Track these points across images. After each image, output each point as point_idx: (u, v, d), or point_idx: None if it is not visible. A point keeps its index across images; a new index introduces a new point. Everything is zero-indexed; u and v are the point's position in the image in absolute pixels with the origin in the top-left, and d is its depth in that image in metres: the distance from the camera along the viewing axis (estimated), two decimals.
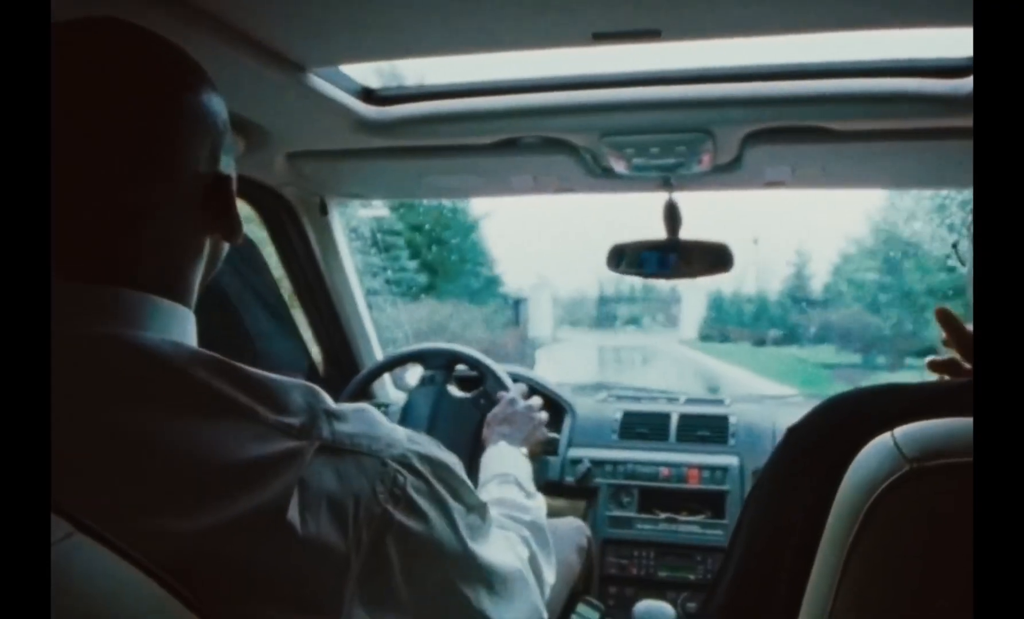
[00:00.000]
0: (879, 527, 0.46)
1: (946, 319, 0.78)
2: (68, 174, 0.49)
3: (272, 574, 0.46)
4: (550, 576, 0.82)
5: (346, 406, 0.55)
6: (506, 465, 1.02)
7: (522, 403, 1.28)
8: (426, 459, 0.56)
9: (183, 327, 0.54)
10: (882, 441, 0.49)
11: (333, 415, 0.52)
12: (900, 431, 0.48)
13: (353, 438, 0.52)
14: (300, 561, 0.47)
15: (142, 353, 0.49)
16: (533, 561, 0.78)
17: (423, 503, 0.54)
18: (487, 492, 0.94)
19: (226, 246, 0.62)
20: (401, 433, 0.56)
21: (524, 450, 1.15)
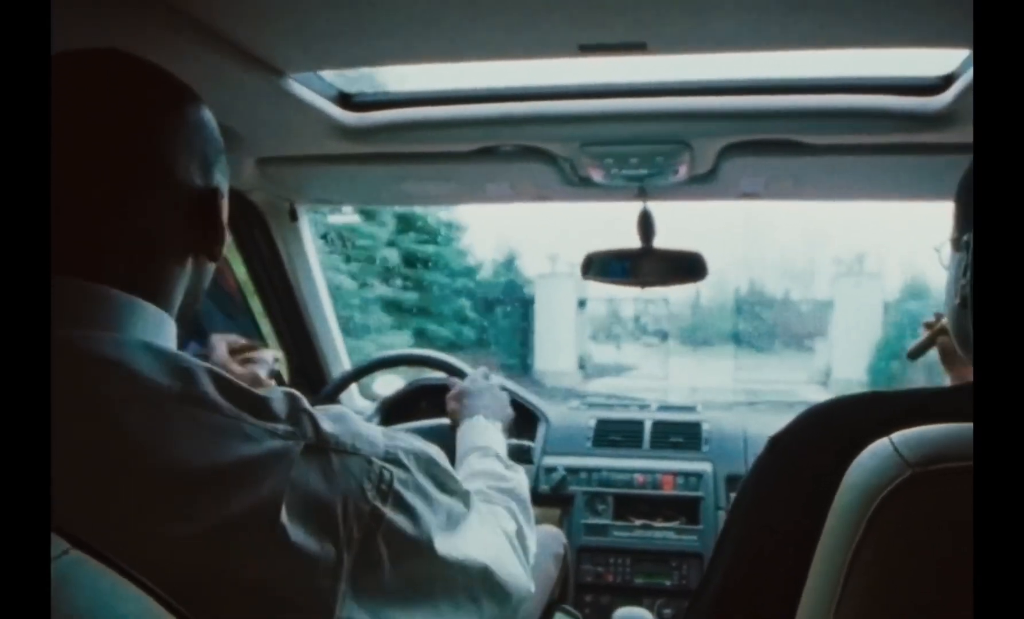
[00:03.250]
0: (883, 532, 0.46)
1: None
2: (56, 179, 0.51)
3: (266, 576, 0.47)
4: (534, 546, 0.84)
5: (326, 408, 0.56)
6: (486, 438, 1.01)
7: (484, 382, 1.24)
8: (410, 453, 0.57)
9: (162, 331, 0.55)
10: (881, 446, 0.50)
11: (315, 417, 0.53)
12: (898, 436, 0.49)
13: (337, 438, 0.53)
14: (293, 561, 0.48)
15: (123, 356, 0.49)
16: (520, 534, 0.79)
17: (410, 497, 0.56)
18: (468, 465, 0.93)
19: (210, 268, 0.62)
20: (378, 431, 0.58)
21: (499, 424, 1.12)
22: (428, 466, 0.59)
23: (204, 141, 0.59)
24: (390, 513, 0.54)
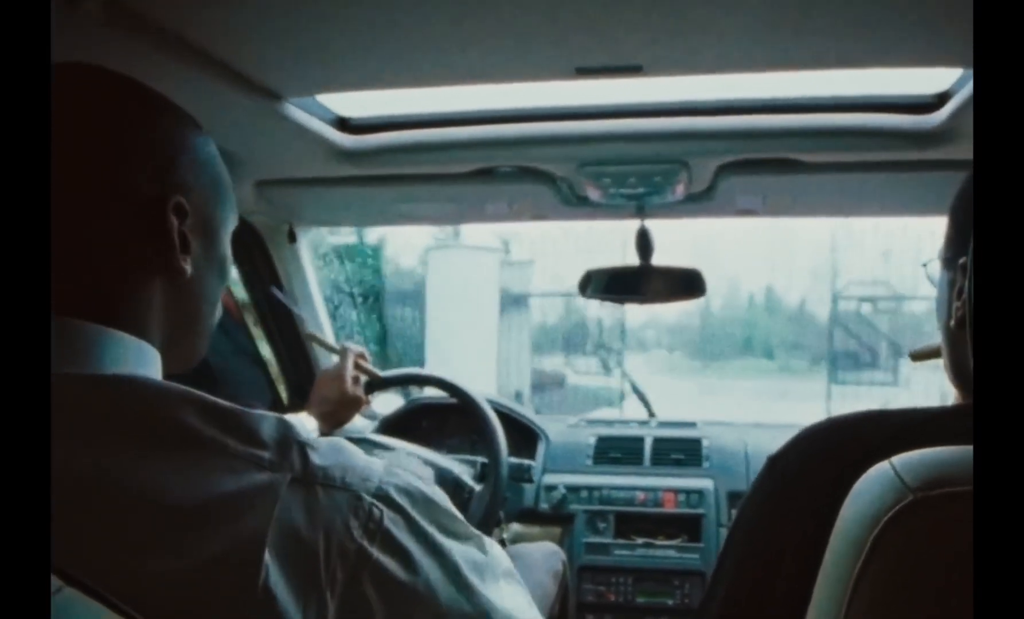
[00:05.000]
0: (886, 557, 0.46)
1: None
2: None
3: (251, 617, 0.44)
4: None
5: (319, 439, 0.52)
6: None
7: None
8: (405, 492, 0.52)
9: (143, 362, 0.52)
10: (881, 470, 0.49)
11: (305, 447, 0.50)
12: (899, 460, 0.49)
13: (326, 471, 0.49)
14: (278, 604, 0.45)
15: (101, 390, 0.47)
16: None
17: (403, 538, 0.51)
18: None
19: (195, 288, 0.58)
20: (378, 465, 0.53)
21: None
22: (427, 507, 0.53)
23: (152, 143, 0.54)
24: (378, 554, 0.49)
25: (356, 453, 0.53)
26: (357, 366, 1.36)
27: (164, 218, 0.54)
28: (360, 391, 1.34)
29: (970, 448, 0.49)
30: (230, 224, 0.63)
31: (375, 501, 0.50)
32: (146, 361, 0.53)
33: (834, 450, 0.62)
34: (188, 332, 0.59)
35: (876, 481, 0.49)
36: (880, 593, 0.47)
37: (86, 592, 0.40)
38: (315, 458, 0.50)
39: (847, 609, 0.48)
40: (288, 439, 0.50)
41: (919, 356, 0.90)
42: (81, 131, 0.51)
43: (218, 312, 0.63)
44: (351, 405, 1.32)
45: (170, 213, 0.54)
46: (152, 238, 0.54)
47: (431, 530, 0.53)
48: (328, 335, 1.79)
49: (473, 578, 0.55)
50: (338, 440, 0.54)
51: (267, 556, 0.45)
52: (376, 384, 1.44)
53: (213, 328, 0.63)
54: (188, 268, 0.55)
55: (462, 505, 1.38)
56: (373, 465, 0.53)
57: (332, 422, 1.32)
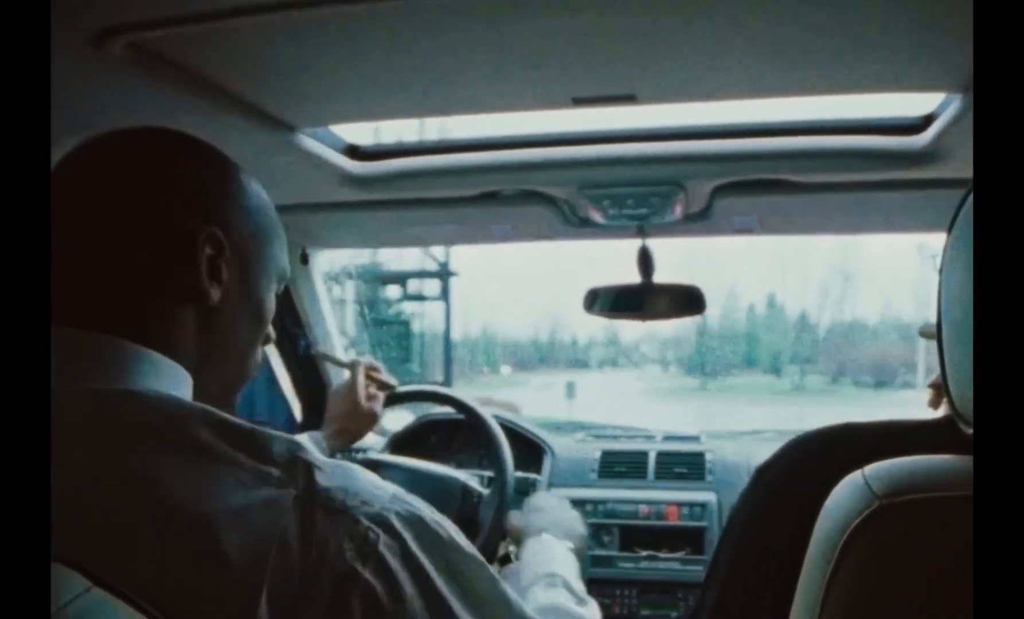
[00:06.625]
0: (854, 560, 0.49)
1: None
2: (64, 236, 0.54)
3: None
4: None
5: (329, 460, 0.53)
6: (552, 563, 0.90)
7: (555, 499, 1.21)
8: (407, 520, 0.52)
9: (172, 380, 0.56)
10: (853, 479, 0.52)
11: (312, 467, 0.52)
12: (870, 469, 0.52)
13: (328, 492, 0.51)
14: (274, 615, 0.47)
15: (126, 403, 0.51)
16: None
17: (395, 566, 0.50)
18: (533, 598, 0.82)
19: (232, 316, 0.61)
20: (386, 491, 0.54)
21: (570, 544, 1.02)
22: (431, 540, 0.53)
23: (185, 181, 0.59)
24: (369, 576, 0.49)
25: (365, 477, 0.54)
26: (370, 378, 1.33)
27: (195, 246, 0.58)
28: (376, 406, 1.31)
29: (938, 457, 0.52)
30: (272, 273, 0.65)
31: (372, 525, 0.51)
32: (175, 380, 0.56)
33: (817, 461, 0.65)
34: (220, 362, 0.61)
35: (847, 490, 0.52)
36: (850, 595, 0.49)
37: (114, 593, 0.43)
38: (320, 479, 0.51)
39: (820, 613, 0.50)
40: (296, 458, 0.52)
41: (929, 334, 0.92)
42: (127, 175, 0.58)
43: (258, 357, 0.66)
44: (366, 419, 1.30)
45: (202, 242, 0.58)
46: (183, 263, 0.57)
47: (427, 564, 0.52)
48: (339, 349, 1.83)
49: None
50: (350, 464, 0.55)
51: (269, 572, 0.46)
52: (394, 399, 1.43)
53: (252, 371, 0.65)
54: (215, 294, 0.59)
55: (472, 510, 1.41)
56: (380, 491, 0.53)
57: (348, 438, 1.30)
